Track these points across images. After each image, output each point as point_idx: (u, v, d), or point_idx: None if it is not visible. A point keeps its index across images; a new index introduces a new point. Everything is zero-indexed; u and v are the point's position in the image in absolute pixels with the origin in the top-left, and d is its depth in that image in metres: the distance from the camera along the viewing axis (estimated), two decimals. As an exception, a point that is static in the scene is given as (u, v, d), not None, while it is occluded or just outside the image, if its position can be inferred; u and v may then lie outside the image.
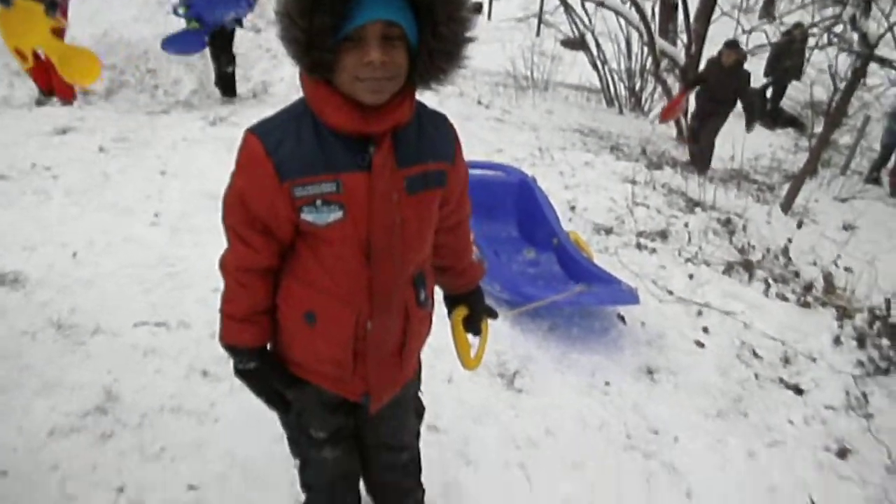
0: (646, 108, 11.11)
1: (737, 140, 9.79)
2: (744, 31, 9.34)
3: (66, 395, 2.43)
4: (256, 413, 2.32)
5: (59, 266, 3.22)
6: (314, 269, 1.46)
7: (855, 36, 6.76)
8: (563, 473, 2.40)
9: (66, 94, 6.24)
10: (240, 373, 1.59)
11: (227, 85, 6.96)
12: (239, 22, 6.77)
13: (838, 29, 7.18)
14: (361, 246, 1.41)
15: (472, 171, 3.95)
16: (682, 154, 8.80)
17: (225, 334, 1.54)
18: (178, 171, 4.44)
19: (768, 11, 18.96)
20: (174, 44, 6.59)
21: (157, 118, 5.84)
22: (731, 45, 7.78)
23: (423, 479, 2.08)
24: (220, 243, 1.47)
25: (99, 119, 5.56)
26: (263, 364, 1.57)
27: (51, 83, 6.17)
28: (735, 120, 11.33)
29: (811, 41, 10.19)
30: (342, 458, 1.83)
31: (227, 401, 2.52)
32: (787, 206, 7.37)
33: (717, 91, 7.80)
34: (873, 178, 10.17)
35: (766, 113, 12.10)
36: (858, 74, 6.75)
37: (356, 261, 1.43)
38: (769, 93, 12.11)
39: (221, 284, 1.49)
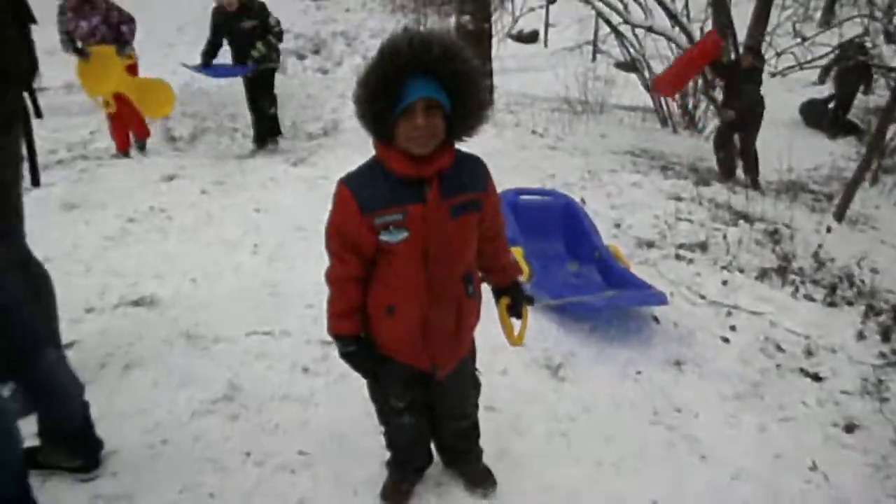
0: (700, 126, 11.46)
1: (795, 150, 10.03)
2: (797, 43, 9.62)
3: (200, 387, 3.11)
4: (349, 399, 2.99)
5: (182, 290, 3.94)
6: (390, 274, 2.09)
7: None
8: (597, 441, 2.93)
9: (142, 135, 7.08)
10: (343, 355, 2.22)
11: (271, 127, 7.44)
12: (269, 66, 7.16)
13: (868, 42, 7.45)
14: (422, 256, 2.04)
15: (524, 198, 4.54)
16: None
17: (332, 327, 2.18)
18: (270, 208, 5.17)
19: (827, 21, 19.00)
20: (216, 70, 7.21)
21: (245, 162, 6.63)
22: (750, 49, 8.35)
23: (481, 443, 2.65)
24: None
25: (197, 167, 6.38)
26: (360, 347, 2.20)
27: (127, 142, 6.95)
28: (792, 131, 11.55)
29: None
30: (417, 423, 2.44)
31: (325, 391, 3.15)
32: (840, 215, 7.60)
33: (736, 93, 8.15)
34: (938, 182, 10.19)
35: (828, 122, 12.21)
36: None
37: (418, 267, 2.05)
38: (832, 104, 12.23)
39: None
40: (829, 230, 6.20)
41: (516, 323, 2.43)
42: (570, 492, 2.66)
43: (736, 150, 8.55)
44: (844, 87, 12.02)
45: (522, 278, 3.82)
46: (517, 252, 3.93)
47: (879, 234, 7.73)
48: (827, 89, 12.36)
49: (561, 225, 4.58)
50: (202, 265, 4.24)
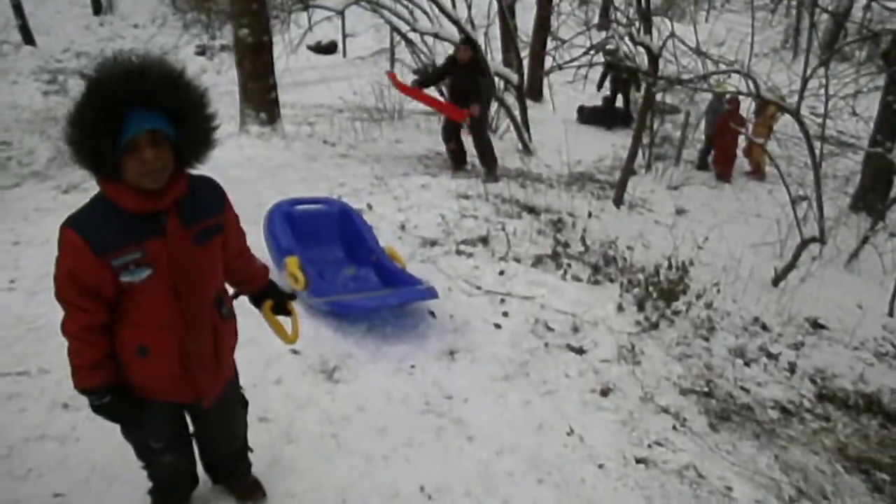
0: (493, 126, 12.00)
1: (581, 145, 10.78)
2: (557, 65, 10.29)
3: (-63, 440, 2.84)
4: (113, 428, 2.84)
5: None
6: (137, 313, 1.98)
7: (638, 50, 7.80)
8: (367, 437, 3.02)
9: None
10: (96, 408, 2.06)
11: None
12: None
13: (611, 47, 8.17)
14: (171, 290, 1.96)
15: (298, 207, 4.57)
16: (525, 163, 9.54)
17: (79, 382, 2.03)
18: (33, 240, 4.79)
19: (604, 25, 20.65)
20: None
21: (7, 192, 6.11)
22: (466, 41, 7.94)
23: (252, 456, 2.64)
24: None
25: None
26: (115, 396, 2.05)
27: None
28: (576, 127, 12.40)
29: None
30: (179, 458, 2.39)
31: (87, 424, 2.98)
32: (618, 201, 8.29)
33: (457, 88, 7.88)
34: (703, 165, 11.40)
35: (602, 114, 13.18)
36: (650, 86, 7.79)
37: (168, 299, 1.97)
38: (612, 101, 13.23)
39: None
40: (590, 215, 6.69)
41: (286, 322, 2.45)
42: (341, 488, 2.73)
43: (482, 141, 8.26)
44: (618, 88, 13.07)
45: (298, 287, 3.85)
46: (292, 262, 3.95)
47: (654, 214, 8.55)
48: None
49: (338, 231, 4.65)
50: (-52, 306, 3.87)
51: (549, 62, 12.79)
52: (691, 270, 5.24)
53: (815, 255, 7.45)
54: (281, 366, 3.42)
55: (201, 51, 18.02)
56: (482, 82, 7.91)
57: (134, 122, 1.74)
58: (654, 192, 9.56)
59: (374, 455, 2.92)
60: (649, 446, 3.28)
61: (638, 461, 3.15)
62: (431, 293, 3.90)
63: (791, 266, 6.59)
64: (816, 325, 5.80)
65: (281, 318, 2.47)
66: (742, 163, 11.28)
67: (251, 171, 6.66)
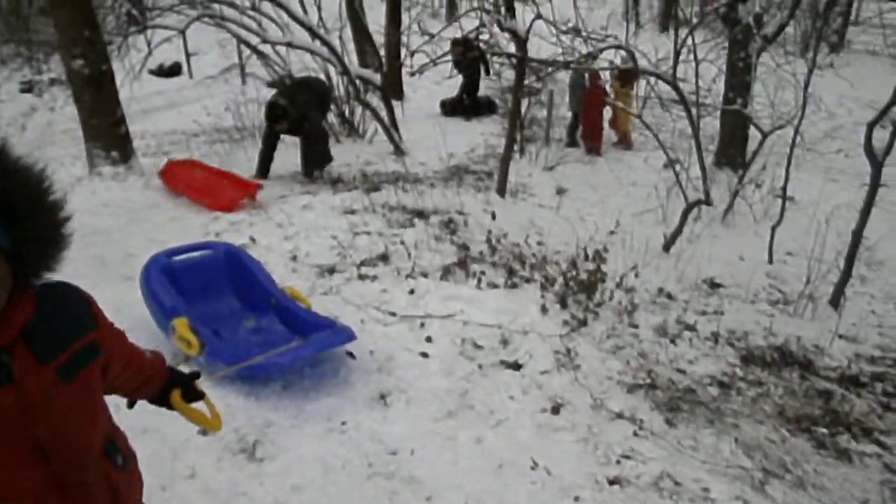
0: (360, 131, 11.54)
1: (450, 137, 10.54)
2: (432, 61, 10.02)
3: None
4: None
5: None
6: None
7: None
8: (309, 526, 2.57)
9: None
10: None
11: None
12: None
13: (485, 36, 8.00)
14: (30, 452, 1.35)
15: (177, 258, 4.00)
16: (401, 165, 9.18)
17: None
18: None
19: (452, 15, 20.57)
20: None
21: None
22: (281, 117, 7.46)
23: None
24: None
25: None
26: None
27: None
28: (444, 122, 12.18)
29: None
30: None
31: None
32: (501, 190, 8.11)
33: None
34: (573, 142, 11.45)
35: (466, 108, 13.05)
36: (520, 72, 7.65)
37: (35, 468, 1.36)
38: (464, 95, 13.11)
39: None
40: (493, 217, 6.46)
41: (202, 406, 1.95)
42: None
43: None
44: (467, 74, 12.96)
45: (192, 352, 3.32)
46: (181, 324, 3.40)
47: (536, 199, 8.43)
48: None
49: (227, 278, 4.08)
50: None
51: (420, 58, 12.57)
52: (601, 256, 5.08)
53: (696, 217, 7.58)
54: (191, 454, 2.89)
55: (27, 87, 16.36)
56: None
57: None
58: (531, 176, 9.45)
59: (324, 544, 2.48)
60: (618, 462, 3.02)
61: (611, 482, 2.88)
62: (349, 335, 3.46)
63: (679, 230, 6.69)
64: (714, 285, 5.90)
65: (197, 406, 1.98)
66: (609, 134, 11.45)
67: (110, 219, 5.92)
